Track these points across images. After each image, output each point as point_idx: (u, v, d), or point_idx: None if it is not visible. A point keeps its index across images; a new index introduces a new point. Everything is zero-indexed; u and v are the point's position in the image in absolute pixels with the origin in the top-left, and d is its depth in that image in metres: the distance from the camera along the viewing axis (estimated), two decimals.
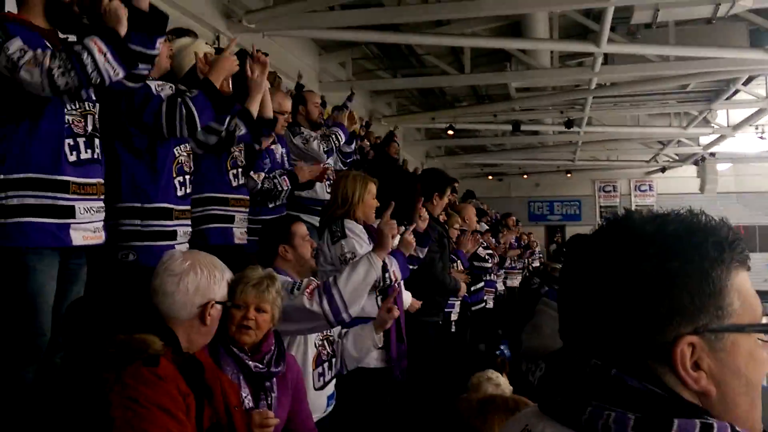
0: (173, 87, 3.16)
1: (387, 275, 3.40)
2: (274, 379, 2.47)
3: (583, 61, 11.83)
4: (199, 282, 2.07)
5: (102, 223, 2.72)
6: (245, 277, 2.43)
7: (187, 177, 3.19)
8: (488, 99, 15.38)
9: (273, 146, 4.20)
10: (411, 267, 3.89)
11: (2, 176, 2.47)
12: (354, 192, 3.69)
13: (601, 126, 16.93)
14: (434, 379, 4.69)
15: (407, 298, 4.10)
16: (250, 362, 2.40)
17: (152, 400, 1.77)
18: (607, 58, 10.92)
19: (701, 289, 0.83)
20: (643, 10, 9.71)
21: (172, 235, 3.03)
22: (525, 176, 23.29)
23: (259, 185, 3.90)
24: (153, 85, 3.03)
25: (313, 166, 4.36)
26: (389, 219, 3.06)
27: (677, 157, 21.38)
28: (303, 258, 3.07)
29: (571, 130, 15.24)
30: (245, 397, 2.35)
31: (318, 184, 4.58)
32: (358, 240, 3.56)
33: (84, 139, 2.66)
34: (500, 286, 9.01)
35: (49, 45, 2.52)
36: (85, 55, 2.45)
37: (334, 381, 3.13)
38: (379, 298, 3.44)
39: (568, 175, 22.70)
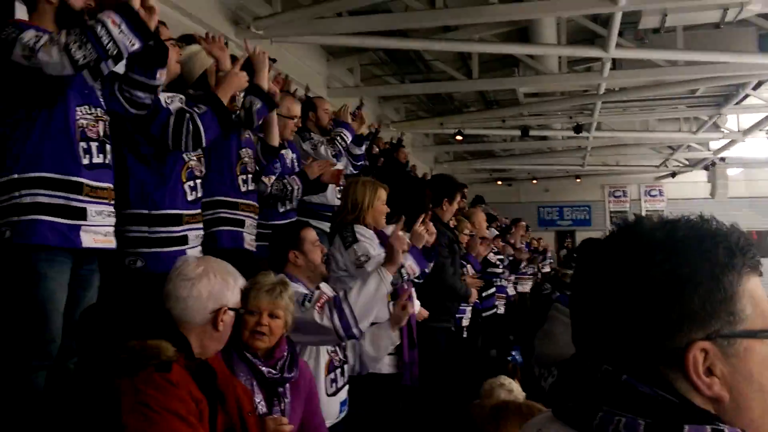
0: (183, 99, 3.17)
1: (403, 270, 3.42)
2: (287, 384, 2.48)
3: (592, 66, 11.79)
4: (212, 287, 2.08)
5: (112, 228, 2.73)
6: (258, 283, 2.44)
7: (198, 181, 3.20)
8: (496, 104, 15.36)
9: (283, 151, 4.22)
10: (418, 280, 3.88)
11: (16, 175, 2.49)
12: (364, 198, 3.70)
13: (610, 131, 16.86)
14: (446, 385, 4.68)
15: (416, 305, 4.10)
16: (264, 368, 2.40)
17: (164, 406, 1.78)
18: (616, 63, 10.88)
19: (712, 295, 0.83)
20: (651, 15, 9.69)
21: (181, 240, 3.04)
22: (534, 181, 23.20)
23: (270, 189, 3.92)
24: (162, 97, 3.04)
25: (322, 161, 4.35)
26: (399, 233, 3.06)
27: (687, 162, 21.27)
28: (313, 263, 3.08)
29: (580, 135, 15.19)
30: (258, 402, 2.36)
31: (329, 189, 4.58)
32: (370, 242, 3.57)
33: (97, 143, 2.68)
34: (511, 291, 8.99)
35: None
36: (99, 28, 2.46)
37: (346, 387, 3.13)
38: (390, 304, 3.45)
39: (578, 180, 22.61)
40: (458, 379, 4.99)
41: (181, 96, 3.19)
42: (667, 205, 22.48)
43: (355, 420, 3.18)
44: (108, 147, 2.75)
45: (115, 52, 2.51)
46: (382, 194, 3.77)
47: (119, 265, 2.93)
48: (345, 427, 3.08)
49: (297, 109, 4.40)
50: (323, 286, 3.23)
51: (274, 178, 3.96)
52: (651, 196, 23.13)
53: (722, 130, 16.66)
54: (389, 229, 3.91)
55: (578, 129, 14.69)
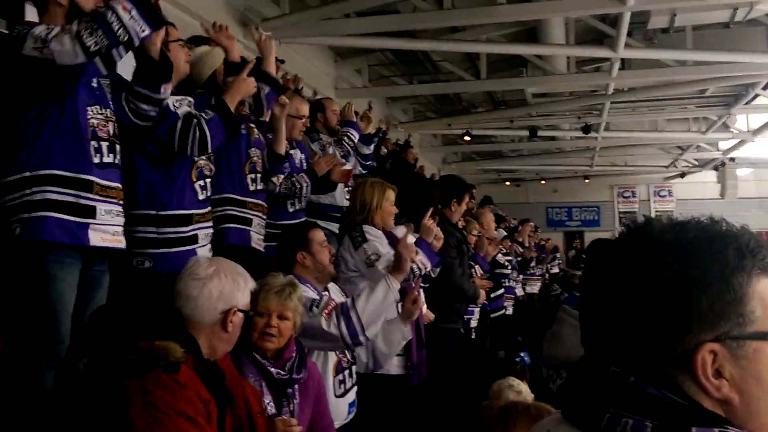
0: (191, 103, 3.18)
1: (414, 265, 3.43)
2: (296, 385, 2.48)
3: (600, 67, 11.76)
4: (223, 288, 2.09)
5: (121, 228, 2.74)
6: (267, 285, 2.44)
7: (208, 180, 3.21)
8: (504, 105, 15.34)
9: (292, 151, 4.22)
10: (423, 285, 3.88)
11: (28, 173, 2.50)
12: (372, 199, 3.70)
13: (618, 131, 16.81)
14: (454, 387, 4.68)
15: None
16: (273, 369, 2.41)
17: (172, 406, 1.78)
18: (624, 63, 10.85)
19: (722, 297, 0.82)
20: (660, 15, 9.65)
21: (191, 240, 3.05)
22: (543, 182, 23.16)
23: (278, 188, 3.92)
24: (171, 100, 3.04)
25: (328, 156, 4.35)
26: (407, 242, 3.06)
27: (697, 163, 21.18)
28: (321, 264, 3.08)
29: (589, 135, 15.15)
30: (268, 403, 2.36)
31: (338, 190, 4.58)
32: (380, 241, 3.58)
33: (107, 143, 2.70)
34: (519, 292, 8.98)
35: None
36: (109, 14, 2.47)
37: (355, 388, 3.13)
38: (399, 304, 3.45)
39: (587, 180, 22.54)
40: (466, 380, 4.98)
41: (190, 99, 3.19)
42: (677, 206, 22.40)
43: (363, 421, 3.18)
44: (117, 147, 2.77)
45: (125, 39, 2.51)
46: (391, 195, 3.78)
47: (127, 266, 2.94)
48: (354, 429, 3.08)
49: (305, 109, 4.41)
50: (332, 288, 3.24)
51: (282, 177, 3.97)
52: (660, 196, 23.05)
53: (732, 130, 16.59)
54: (398, 230, 3.91)
55: (587, 129, 14.65)
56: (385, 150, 8.57)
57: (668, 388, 0.83)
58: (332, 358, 3.00)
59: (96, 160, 2.63)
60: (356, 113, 5.32)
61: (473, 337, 5.78)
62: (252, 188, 3.69)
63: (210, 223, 3.21)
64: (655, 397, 0.82)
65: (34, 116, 2.53)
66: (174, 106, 3.05)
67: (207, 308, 2.07)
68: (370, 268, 3.51)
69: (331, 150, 4.75)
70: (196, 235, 3.07)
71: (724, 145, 18.64)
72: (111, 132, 2.73)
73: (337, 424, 2.83)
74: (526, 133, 15.63)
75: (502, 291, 7.26)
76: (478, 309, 5.77)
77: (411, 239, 3.85)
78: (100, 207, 2.62)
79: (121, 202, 2.75)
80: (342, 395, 3.00)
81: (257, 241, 3.67)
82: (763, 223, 18.26)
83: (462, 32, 10.33)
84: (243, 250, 3.53)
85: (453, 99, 15.44)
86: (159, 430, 1.76)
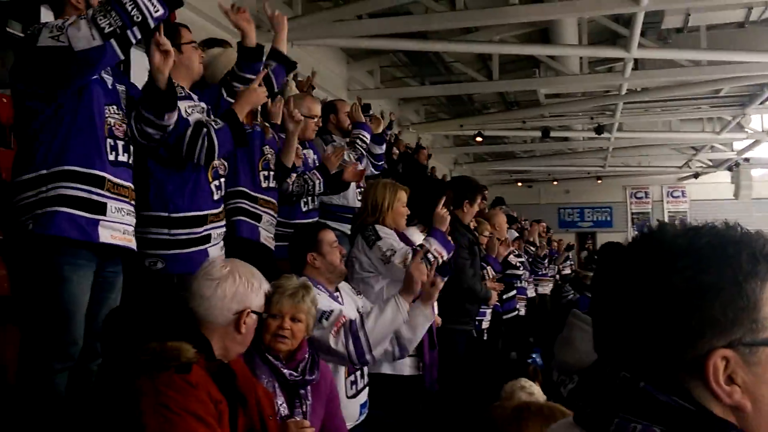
0: (204, 109, 3.18)
1: (429, 255, 3.45)
2: (309, 387, 2.49)
3: (613, 67, 11.72)
4: (237, 289, 2.10)
5: (132, 227, 2.75)
6: (281, 287, 2.45)
7: (222, 180, 3.23)
8: (517, 105, 15.32)
9: (305, 151, 4.24)
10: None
11: (45, 171, 2.52)
12: (384, 199, 3.71)
13: (632, 132, 16.75)
14: (466, 388, 4.67)
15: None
16: (285, 370, 2.41)
17: (183, 407, 1.79)
18: (638, 64, 10.81)
19: (734, 303, 0.82)
20: (674, 15, 9.62)
21: (203, 240, 3.06)
22: (555, 182, 23.10)
23: (291, 187, 3.94)
24: (183, 107, 3.04)
25: (337, 149, 4.36)
26: (419, 263, 3.06)
27: (710, 163, 21.06)
28: (332, 265, 3.09)
29: (602, 136, 15.10)
30: (280, 405, 2.37)
31: (351, 191, 4.58)
32: (393, 238, 3.58)
33: (123, 142, 2.71)
34: (531, 293, 8.95)
35: None
36: None
37: (367, 389, 3.13)
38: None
39: (599, 181, 22.46)
40: (478, 381, 4.97)
41: (203, 106, 3.20)
42: (690, 207, 22.29)
43: (375, 422, 3.18)
44: (132, 148, 2.78)
45: (139, 19, 2.51)
46: (403, 196, 3.78)
47: (140, 267, 2.96)
48: (365, 429, 3.08)
49: (317, 108, 4.42)
50: (343, 287, 3.24)
51: (295, 176, 3.98)
52: (673, 197, 22.92)
53: (746, 130, 16.49)
54: (410, 231, 3.92)
55: (599, 130, 14.60)
56: (397, 152, 8.58)
57: (679, 394, 0.82)
58: None
59: (111, 157, 2.65)
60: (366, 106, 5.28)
61: (485, 338, 5.77)
62: (264, 185, 3.70)
63: (223, 222, 3.22)
64: (664, 403, 0.82)
65: (51, 114, 2.55)
66: (186, 112, 3.05)
67: (220, 309, 2.08)
68: (387, 265, 3.52)
69: (345, 154, 4.75)
70: (209, 235, 3.08)
71: (738, 145, 18.53)
72: (127, 132, 2.76)
73: (349, 425, 2.83)
74: (538, 133, 15.60)
75: (514, 292, 7.24)
76: (489, 310, 5.76)
77: (421, 236, 3.85)
78: (111, 204, 2.62)
79: (133, 202, 2.76)
80: (354, 396, 3.01)
81: (266, 238, 3.68)
82: None
83: (474, 33, 10.33)
84: (253, 244, 3.54)
85: (465, 100, 15.44)
86: (170, 430, 1.76)
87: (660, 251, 0.86)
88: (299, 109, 3.98)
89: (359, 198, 4.47)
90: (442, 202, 3.72)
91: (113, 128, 2.68)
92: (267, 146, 3.78)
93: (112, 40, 2.49)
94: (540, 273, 9.86)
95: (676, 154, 20.14)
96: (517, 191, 22.32)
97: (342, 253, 3.18)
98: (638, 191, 23.19)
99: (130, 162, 2.77)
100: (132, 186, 2.76)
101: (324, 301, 2.86)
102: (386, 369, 3.49)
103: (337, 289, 3.16)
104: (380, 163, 5.41)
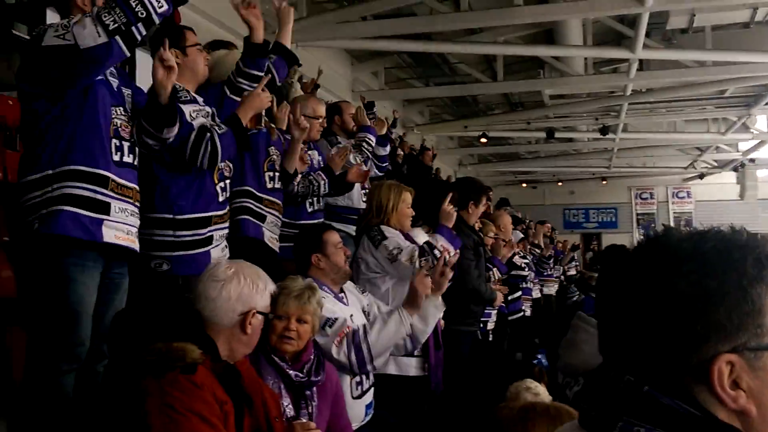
0: (209, 114, 3.19)
1: (436, 251, 3.46)
2: (314, 388, 2.49)
3: (618, 68, 11.71)
4: (242, 290, 2.11)
5: (136, 229, 2.75)
6: (286, 288, 2.46)
7: (228, 182, 3.23)
8: (521, 106, 15.32)
9: (309, 152, 4.24)
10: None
11: (50, 171, 2.53)
12: (388, 201, 3.72)
13: (636, 132, 16.73)
14: (471, 389, 4.67)
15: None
16: (291, 371, 2.42)
17: (188, 407, 1.80)
18: (643, 64, 10.80)
19: (740, 308, 0.82)
20: (679, 16, 9.59)
21: (207, 241, 3.06)
22: (560, 183, 23.08)
23: (296, 188, 3.94)
24: (188, 111, 3.04)
25: (341, 149, 4.36)
26: (423, 277, 3.06)
27: (716, 164, 21.02)
28: (337, 266, 3.09)
29: (607, 137, 15.09)
30: (286, 406, 2.37)
31: (355, 192, 4.59)
32: (399, 236, 3.59)
33: (129, 144, 2.72)
34: (536, 294, 8.93)
35: None
36: None
37: (372, 390, 3.14)
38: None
39: (604, 182, 22.45)
40: (483, 382, 4.97)
41: (207, 110, 3.20)
42: (696, 207, 22.25)
43: (381, 423, 3.18)
44: (137, 150, 2.79)
45: (144, 15, 2.52)
46: (407, 197, 3.79)
47: (145, 268, 2.96)
48: (371, 430, 3.08)
49: (322, 109, 4.42)
50: (349, 288, 3.24)
51: (300, 177, 3.99)
52: (679, 197, 22.89)
53: (752, 130, 16.47)
54: (414, 232, 3.92)
55: (604, 131, 14.60)
56: (402, 153, 8.58)
57: (683, 398, 0.82)
58: None
59: (116, 158, 2.65)
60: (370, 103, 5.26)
61: (490, 339, 5.76)
62: (269, 186, 3.71)
63: (226, 224, 3.23)
64: (668, 407, 0.82)
65: (57, 115, 2.56)
66: (190, 116, 3.05)
67: (225, 310, 2.08)
68: (394, 263, 3.52)
69: (351, 157, 4.76)
70: (211, 236, 3.09)
71: (743, 146, 18.51)
72: (133, 134, 2.77)
73: (354, 426, 2.83)
74: (543, 134, 15.60)
75: (519, 293, 7.23)
76: (495, 311, 5.75)
77: (426, 237, 3.85)
78: (115, 204, 2.63)
79: (137, 203, 2.76)
80: (359, 397, 3.01)
81: (270, 238, 3.68)
82: None
83: (479, 34, 10.33)
84: (258, 244, 3.55)
85: (469, 101, 15.44)
86: (175, 430, 1.77)
87: (665, 255, 0.86)
88: (304, 110, 3.99)
89: (364, 199, 4.47)
90: (449, 198, 3.72)
91: (119, 129, 2.69)
92: (272, 147, 3.78)
93: (118, 38, 2.50)
94: (545, 274, 9.84)
95: (682, 155, 20.12)
96: (521, 192, 22.32)
97: (347, 254, 3.18)
98: (643, 192, 23.16)
99: (136, 163, 2.77)
100: (137, 187, 2.76)
101: (329, 305, 2.86)
102: (392, 369, 3.49)
103: (342, 290, 3.16)
104: (384, 165, 5.41)
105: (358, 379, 3.02)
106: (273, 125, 3.86)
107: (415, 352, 3.31)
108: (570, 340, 2.87)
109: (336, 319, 2.87)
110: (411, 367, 3.57)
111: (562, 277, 11.65)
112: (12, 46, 4.88)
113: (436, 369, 3.63)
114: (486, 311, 5.43)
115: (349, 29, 8.73)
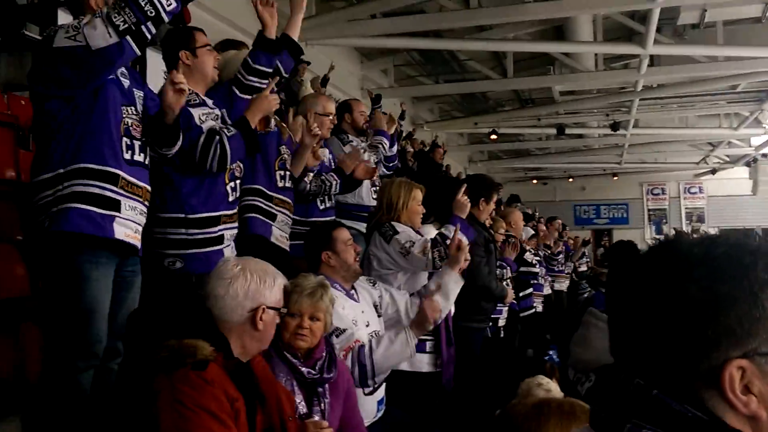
0: (218, 116, 3.19)
1: (448, 242, 3.47)
2: (327, 385, 2.50)
3: (629, 63, 11.66)
4: (249, 286, 2.11)
5: (141, 227, 2.76)
6: (299, 286, 2.46)
7: (238, 182, 3.24)
8: (531, 103, 15.29)
9: (319, 150, 4.25)
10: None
11: (62, 170, 2.55)
12: (399, 198, 3.72)
13: (648, 128, 16.66)
14: (482, 385, 4.67)
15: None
16: (303, 368, 2.42)
17: (199, 404, 1.81)
18: (654, 60, 10.74)
19: (750, 313, 0.81)
20: (690, 11, 9.54)
21: (218, 240, 3.08)
22: (570, 179, 23.01)
23: (308, 186, 3.95)
24: (197, 114, 3.05)
25: (353, 154, 4.37)
26: (431, 300, 3.07)
27: (728, 159, 20.91)
28: (347, 263, 3.10)
29: (618, 132, 15.03)
30: (299, 403, 2.38)
31: (365, 190, 4.60)
32: (410, 231, 3.60)
33: (140, 143, 2.73)
34: (547, 290, 8.92)
35: None
36: None
37: (384, 386, 3.15)
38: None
39: (615, 178, 22.36)
40: (495, 378, 4.97)
41: (217, 113, 3.21)
42: (708, 203, 22.13)
43: (393, 419, 3.19)
44: (148, 149, 2.81)
45: (153, 14, 2.54)
46: (418, 194, 3.79)
47: (158, 266, 2.98)
48: (382, 426, 3.09)
49: (332, 107, 4.42)
50: (360, 285, 3.24)
51: (312, 175, 4.00)
52: (691, 193, 22.76)
53: (764, 125, 16.35)
54: (425, 229, 3.92)
55: (615, 126, 14.54)
56: (412, 150, 8.58)
57: (692, 403, 0.82)
58: None
59: (126, 156, 2.66)
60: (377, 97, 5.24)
61: (502, 336, 5.77)
62: (280, 184, 3.71)
63: (235, 224, 3.24)
64: (677, 411, 0.82)
65: (68, 115, 2.57)
66: (200, 119, 3.06)
67: (234, 307, 2.09)
68: (407, 257, 3.52)
69: (365, 156, 4.77)
70: (222, 236, 3.10)
71: (756, 140, 18.38)
72: (144, 134, 2.78)
73: (366, 422, 2.84)
74: (553, 131, 15.56)
75: (530, 290, 7.23)
76: (506, 308, 5.75)
77: (434, 231, 3.86)
78: (125, 202, 2.64)
79: (147, 202, 2.78)
80: (371, 393, 3.01)
81: (279, 237, 3.67)
82: None
83: (489, 31, 10.31)
84: (265, 242, 3.56)
85: (479, 98, 15.41)
86: (185, 425, 1.79)
87: (676, 260, 0.86)
88: (314, 107, 4.00)
89: (374, 196, 4.48)
90: (463, 189, 3.73)
91: (130, 128, 2.70)
92: (284, 146, 3.79)
93: (128, 37, 2.52)
94: (556, 270, 9.81)
95: (693, 150, 20.01)
96: (532, 189, 22.25)
97: (357, 251, 3.19)
98: (655, 188, 23.05)
99: (147, 162, 2.78)
100: (148, 187, 2.77)
101: (338, 310, 2.87)
102: (404, 366, 3.50)
103: (353, 287, 3.17)
104: (392, 164, 5.44)
105: None
106: (285, 124, 3.87)
107: (427, 348, 3.31)
108: (581, 336, 2.87)
109: (344, 330, 2.89)
110: (423, 363, 3.58)
111: (573, 273, 11.62)
112: (24, 46, 4.92)
113: (447, 365, 3.64)
114: (497, 308, 5.43)
115: (359, 27, 8.74)
